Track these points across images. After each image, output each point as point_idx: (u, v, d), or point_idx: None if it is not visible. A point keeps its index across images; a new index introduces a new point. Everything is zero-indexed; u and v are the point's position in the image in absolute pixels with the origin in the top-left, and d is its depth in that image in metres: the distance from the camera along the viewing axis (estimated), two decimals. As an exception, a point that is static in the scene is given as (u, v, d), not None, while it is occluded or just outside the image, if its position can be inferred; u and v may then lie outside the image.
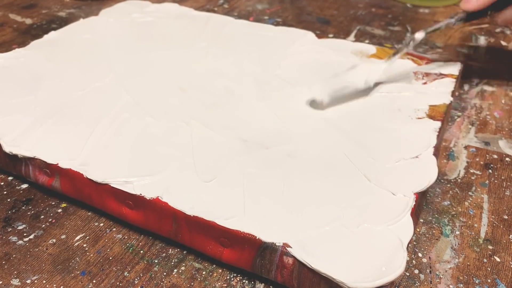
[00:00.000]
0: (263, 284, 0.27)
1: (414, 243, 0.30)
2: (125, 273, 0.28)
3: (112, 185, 0.29)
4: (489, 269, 0.28)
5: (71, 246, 0.29)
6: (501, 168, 0.36)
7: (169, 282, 0.27)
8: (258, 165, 0.30)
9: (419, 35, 0.37)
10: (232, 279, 0.28)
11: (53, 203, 0.32)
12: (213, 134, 0.33)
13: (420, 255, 0.29)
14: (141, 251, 0.29)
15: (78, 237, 0.30)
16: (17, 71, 0.40)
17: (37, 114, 0.35)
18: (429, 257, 0.29)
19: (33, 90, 0.38)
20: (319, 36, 0.47)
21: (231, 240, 0.26)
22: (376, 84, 0.37)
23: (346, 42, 0.45)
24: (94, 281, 0.27)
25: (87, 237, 0.30)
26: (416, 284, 0.27)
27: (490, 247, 0.30)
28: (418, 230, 0.31)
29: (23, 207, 0.32)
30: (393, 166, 0.30)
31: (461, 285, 0.27)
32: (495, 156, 0.37)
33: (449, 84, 0.39)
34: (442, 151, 0.38)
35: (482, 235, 0.30)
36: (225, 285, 0.27)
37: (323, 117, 0.35)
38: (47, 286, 0.27)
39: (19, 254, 0.29)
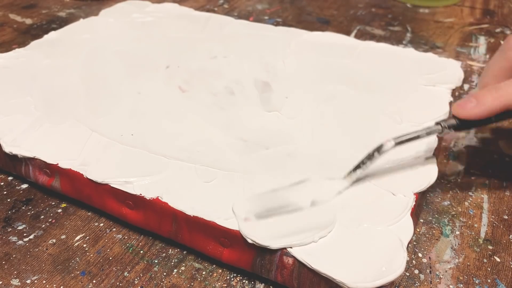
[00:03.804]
0: (263, 284, 0.27)
1: (414, 243, 0.30)
2: (125, 273, 0.28)
3: (112, 185, 0.29)
4: (489, 269, 0.28)
5: (71, 246, 0.29)
6: (501, 168, 0.36)
7: (169, 282, 0.27)
8: (258, 165, 0.30)
9: (389, 145, 0.28)
10: (232, 279, 0.28)
11: (53, 203, 0.32)
12: (213, 134, 0.33)
13: (420, 255, 0.29)
14: (141, 251, 0.29)
15: (78, 237, 0.30)
16: (17, 71, 0.40)
17: (37, 114, 0.35)
18: (429, 257, 0.29)
19: (33, 90, 0.38)
20: (319, 36, 0.47)
21: (231, 240, 0.26)
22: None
23: (347, 38, 0.45)
24: (94, 281, 0.27)
25: (87, 237, 0.30)
26: (416, 284, 0.27)
27: (490, 247, 0.30)
28: (418, 230, 0.31)
29: (23, 207, 0.32)
30: (393, 166, 0.30)
31: (461, 285, 0.27)
32: (495, 156, 0.37)
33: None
34: (442, 151, 0.38)
35: (482, 235, 0.30)
36: (225, 285, 0.27)
37: (324, 117, 0.35)
38: (47, 286, 0.27)
39: (19, 254, 0.29)
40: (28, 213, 0.32)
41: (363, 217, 0.27)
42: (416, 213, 0.29)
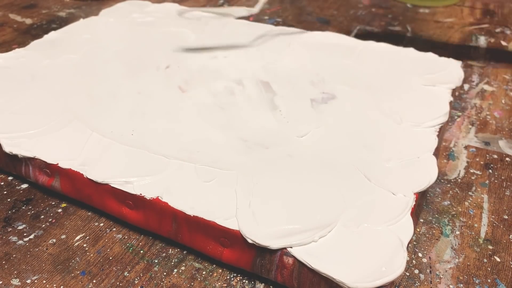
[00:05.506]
0: (263, 284, 0.27)
1: (414, 243, 0.30)
2: (125, 273, 0.28)
3: (112, 185, 0.29)
4: (489, 269, 0.28)
5: (71, 246, 0.29)
6: (501, 168, 0.36)
7: (169, 282, 0.27)
8: (258, 165, 0.30)
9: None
10: (232, 279, 0.28)
11: (53, 203, 0.32)
12: (213, 134, 0.33)
13: (420, 255, 0.29)
14: (141, 251, 0.29)
15: (78, 237, 0.30)
16: (17, 71, 0.40)
17: (36, 114, 0.35)
18: (429, 257, 0.29)
19: (33, 91, 0.38)
20: (319, 36, 0.47)
21: (231, 240, 0.26)
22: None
23: (347, 37, 0.45)
24: (94, 281, 0.27)
25: (87, 237, 0.30)
26: (416, 284, 0.27)
27: (490, 247, 0.30)
28: (418, 230, 0.31)
29: (23, 207, 0.32)
30: (393, 166, 0.30)
31: (461, 285, 0.27)
32: (495, 156, 0.37)
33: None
34: (442, 151, 0.38)
35: (482, 235, 0.30)
36: (225, 285, 0.27)
37: (324, 117, 0.35)
38: (47, 286, 0.27)
39: (19, 254, 0.29)
40: (28, 213, 0.32)
41: (363, 217, 0.27)
42: (416, 213, 0.29)
